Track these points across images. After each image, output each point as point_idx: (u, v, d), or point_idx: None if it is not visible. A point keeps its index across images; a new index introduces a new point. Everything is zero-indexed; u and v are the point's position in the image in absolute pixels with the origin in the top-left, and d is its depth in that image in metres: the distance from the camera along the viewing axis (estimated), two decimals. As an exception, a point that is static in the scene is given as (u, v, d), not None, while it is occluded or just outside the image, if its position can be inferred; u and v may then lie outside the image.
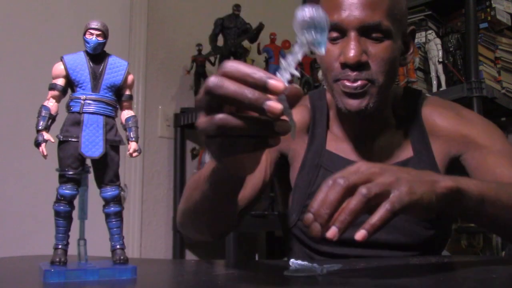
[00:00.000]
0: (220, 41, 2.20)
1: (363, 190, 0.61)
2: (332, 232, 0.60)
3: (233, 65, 0.52)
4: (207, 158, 0.83)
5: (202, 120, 0.53)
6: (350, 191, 0.62)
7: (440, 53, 2.19)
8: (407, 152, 1.04)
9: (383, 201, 0.61)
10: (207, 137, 0.54)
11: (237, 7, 2.18)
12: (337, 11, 0.92)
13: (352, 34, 0.91)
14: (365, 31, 0.92)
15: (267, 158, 1.05)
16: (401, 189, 0.62)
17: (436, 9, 2.34)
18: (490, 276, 0.69)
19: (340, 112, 1.04)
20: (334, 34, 0.93)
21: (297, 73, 0.52)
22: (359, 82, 0.92)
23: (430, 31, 2.26)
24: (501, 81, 2.34)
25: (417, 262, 0.82)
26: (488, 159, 0.98)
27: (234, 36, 2.16)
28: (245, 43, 2.25)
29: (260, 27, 2.17)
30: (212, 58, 2.25)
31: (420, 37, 2.30)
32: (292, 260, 0.68)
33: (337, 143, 1.06)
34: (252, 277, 0.71)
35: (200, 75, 2.28)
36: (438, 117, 1.05)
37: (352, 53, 0.90)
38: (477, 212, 0.75)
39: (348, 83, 0.92)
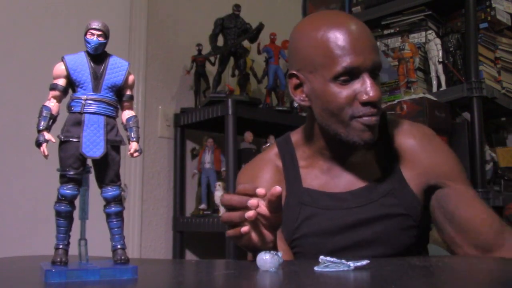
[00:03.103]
0: (220, 41, 2.20)
1: None
2: None
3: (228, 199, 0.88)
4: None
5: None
6: None
7: (440, 53, 2.19)
8: (374, 173, 1.12)
9: None
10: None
11: (237, 7, 2.18)
12: (350, 55, 0.99)
13: (367, 74, 1.01)
14: (373, 71, 1.03)
15: None
16: None
17: (436, 9, 2.34)
18: (490, 276, 0.69)
19: (315, 146, 1.14)
20: (346, 77, 1.00)
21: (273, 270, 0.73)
22: (377, 117, 1.03)
23: (430, 31, 2.26)
24: (501, 81, 2.34)
25: (417, 262, 0.82)
26: (467, 199, 1.08)
27: (234, 36, 2.16)
28: (245, 43, 2.25)
29: (260, 27, 2.17)
30: (212, 58, 2.25)
31: (420, 37, 2.30)
32: (321, 256, 0.73)
33: (312, 176, 1.15)
34: (251, 276, 0.71)
35: (200, 75, 2.28)
36: (417, 148, 1.12)
37: (374, 92, 1.00)
38: None
39: (369, 119, 1.02)
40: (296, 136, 1.21)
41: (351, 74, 1.00)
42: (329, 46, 1.00)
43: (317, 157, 1.15)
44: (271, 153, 1.21)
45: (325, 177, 1.14)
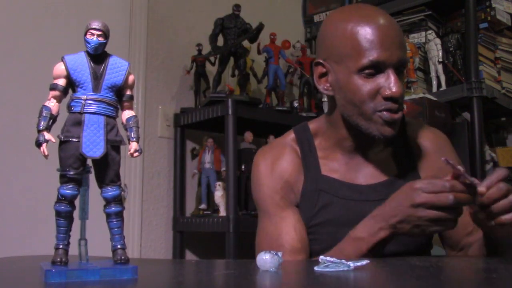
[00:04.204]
0: (220, 41, 2.20)
1: None
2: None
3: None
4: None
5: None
6: None
7: (440, 53, 2.19)
8: (392, 170, 1.14)
9: None
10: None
11: (237, 7, 2.18)
12: (377, 49, 1.01)
13: (392, 70, 1.02)
14: (398, 67, 1.04)
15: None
16: None
17: (436, 9, 2.34)
18: (490, 276, 0.69)
19: (338, 138, 1.14)
20: (372, 71, 1.02)
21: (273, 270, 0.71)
22: (399, 114, 1.05)
23: (430, 31, 2.26)
24: (501, 81, 2.34)
25: (417, 262, 0.82)
26: None
27: (234, 36, 2.16)
28: (245, 43, 2.25)
29: (260, 27, 2.17)
30: (212, 58, 2.25)
31: (420, 37, 2.30)
32: (321, 256, 0.72)
33: (330, 167, 1.16)
34: (251, 276, 0.71)
35: (200, 75, 2.28)
36: (432, 151, 1.16)
37: (397, 88, 1.01)
38: None
39: (391, 115, 1.04)
40: (314, 124, 1.21)
41: (376, 68, 1.02)
42: (357, 38, 1.02)
43: (335, 150, 1.16)
44: (288, 138, 1.21)
45: (343, 170, 1.15)
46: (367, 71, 1.02)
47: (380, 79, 1.03)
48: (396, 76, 1.02)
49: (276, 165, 1.17)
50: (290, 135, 1.22)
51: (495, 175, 0.86)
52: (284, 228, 1.11)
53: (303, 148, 1.18)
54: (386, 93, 1.02)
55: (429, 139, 1.18)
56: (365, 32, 1.02)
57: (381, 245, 0.97)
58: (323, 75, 1.11)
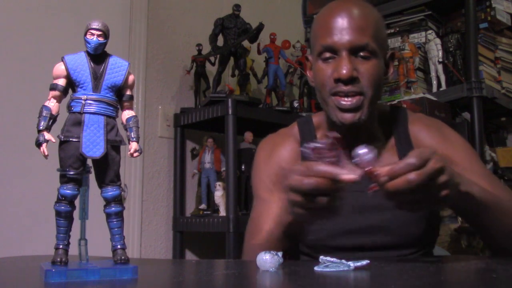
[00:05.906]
0: (220, 41, 2.20)
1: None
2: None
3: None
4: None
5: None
6: None
7: (440, 53, 2.19)
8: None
9: None
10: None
11: (237, 7, 2.18)
12: (330, 34, 1.05)
13: (344, 53, 1.04)
14: (355, 51, 1.04)
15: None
16: None
17: (436, 9, 2.34)
18: (490, 276, 0.69)
19: (333, 126, 1.14)
20: (327, 55, 1.05)
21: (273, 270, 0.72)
22: (353, 99, 1.04)
23: (430, 31, 2.26)
24: (501, 81, 2.34)
25: (417, 262, 0.82)
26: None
27: (234, 36, 2.16)
28: (245, 43, 2.25)
29: (260, 27, 2.17)
30: (212, 58, 2.25)
31: (420, 37, 2.30)
32: (321, 257, 0.72)
33: None
34: (251, 276, 0.72)
35: (200, 75, 2.28)
36: (426, 136, 1.16)
37: (344, 69, 1.02)
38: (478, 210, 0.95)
39: (343, 101, 1.04)
40: (317, 118, 1.24)
41: (333, 52, 1.05)
42: (317, 27, 1.10)
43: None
44: (293, 129, 1.25)
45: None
46: (323, 56, 1.06)
47: (336, 63, 1.05)
48: (348, 58, 1.03)
49: (275, 152, 1.20)
50: (295, 127, 1.25)
51: (406, 164, 0.78)
52: (267, 213, 1.11)
53: (305, 139, 1.20)
54: (334, 75, 1.04)
55: (426, 128, 1.17)
56: (323, 20, 1.08)
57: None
58: (310, 68, 1.17)
